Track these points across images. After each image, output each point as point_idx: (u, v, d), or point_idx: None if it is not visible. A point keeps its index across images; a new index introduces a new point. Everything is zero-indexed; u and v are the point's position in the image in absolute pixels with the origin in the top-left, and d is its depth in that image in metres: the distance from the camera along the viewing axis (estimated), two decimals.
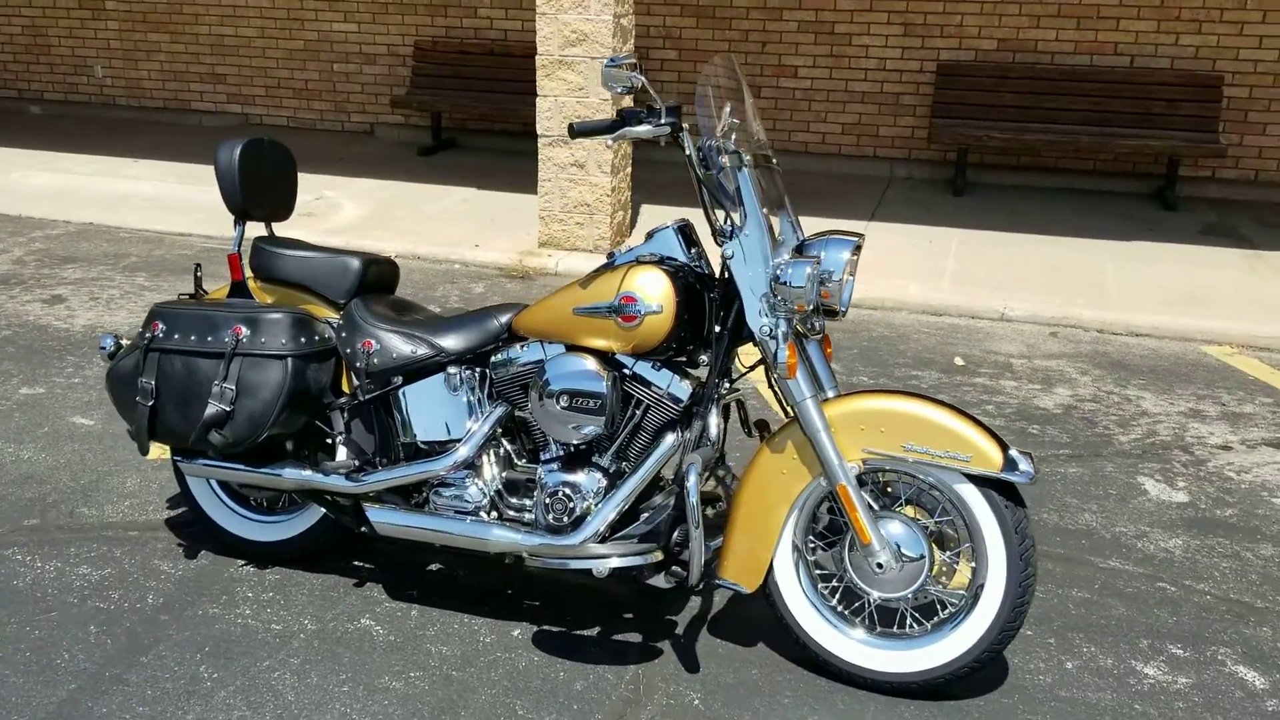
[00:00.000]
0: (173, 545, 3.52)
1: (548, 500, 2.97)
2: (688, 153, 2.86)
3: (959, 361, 5.33)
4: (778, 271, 2.74)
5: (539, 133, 6.59)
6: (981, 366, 5.26)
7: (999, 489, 2.72)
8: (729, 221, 2.86)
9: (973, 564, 2.80)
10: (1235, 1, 8.26)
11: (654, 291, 2.86)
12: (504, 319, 3.12)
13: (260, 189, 3.32)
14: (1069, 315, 5.90)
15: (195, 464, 3.26)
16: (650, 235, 3.03)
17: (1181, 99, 8.26)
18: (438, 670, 2.93)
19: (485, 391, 3.14)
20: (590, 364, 2.91)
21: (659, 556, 2.86)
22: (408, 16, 9.81)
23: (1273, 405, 4.91)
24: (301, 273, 3.24)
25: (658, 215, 7.35)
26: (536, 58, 6.47)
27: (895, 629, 2.90)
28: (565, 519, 2.96)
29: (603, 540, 2.91)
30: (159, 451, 3.97)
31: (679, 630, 3.14)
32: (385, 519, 3.10)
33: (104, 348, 3.36)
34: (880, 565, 2.77)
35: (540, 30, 6.41)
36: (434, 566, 3.44)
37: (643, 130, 2.82)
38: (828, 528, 2.96)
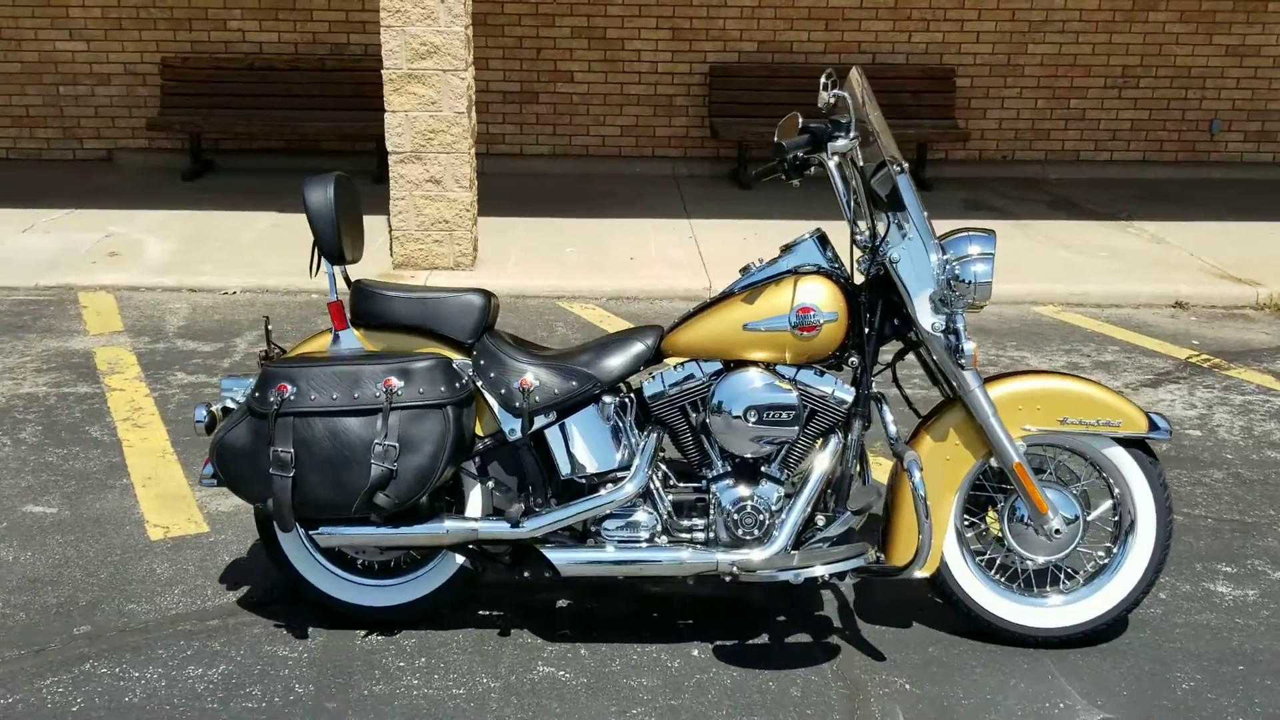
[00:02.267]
0: (270, 628, 3.18)
1: (735, 516, 3.01)
2: (860, 163, 2.99)
3: None
4: (957, 270, 2.94)
5: (390, 149, 6.34)
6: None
7: (1141, 448, 3.08)
8: (884, 227, 3.02)
9: (1115, 519, 3.15)
10: (955, 1, 9.31)
11: (828, 301, 2.98)
12: (649, 342, 3.10)
13: (349, 229, 3.08)
14: None
15: (339, 533, 2.98)
16: (790, 247, 3.14)
17: (924, 90, 9.22)
18: (656, 703, 2.90)
19: (631, 417, 3.11)
20: (772, 378, 2.98)
21: (874, 555, 2.99)
22: (146, 32, 8.98)
23: (1124, 352, 5.70)
24: (421, 314, 3.04)
25: (499, 228, 7.26)
26: (384, 72, 6.21)
27: (1050, 588, 3.20)
28: (756, 532, 3.01)
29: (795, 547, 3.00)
30: (157, 532, 3.59)
31: (837, 623, 3.27)
32: (570, 559, 3.00)
33: (200, 420, 3.00)
34: (1057, 530, 3.06)
35: (386, 43, 6.16)
36: (562, 603, 3.35)
37: (842, 144, 2.93)
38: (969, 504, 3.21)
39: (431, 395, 2.90)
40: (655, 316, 6.06)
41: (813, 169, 3.26)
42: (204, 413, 3.02)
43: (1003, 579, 3.20)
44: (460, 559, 3.14)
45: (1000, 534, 3.15)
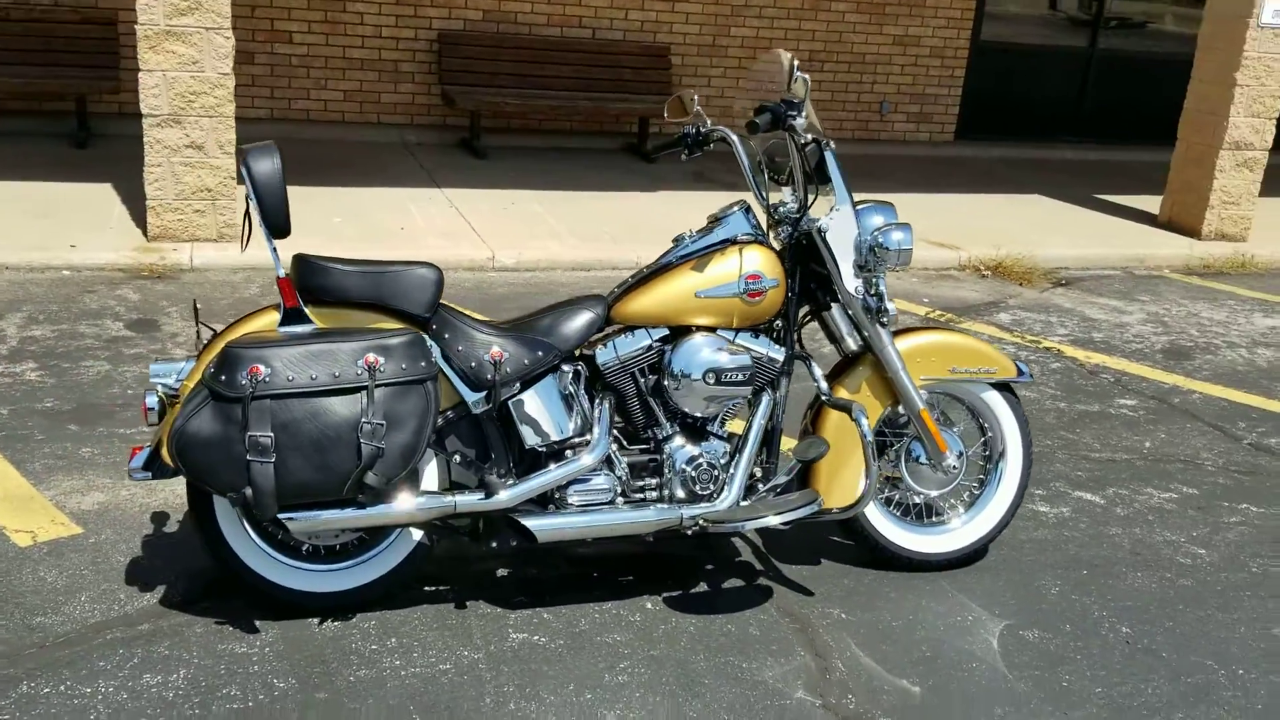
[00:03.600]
0: (212, 626, 2.99)
1: (692, 473, 3.18)
2: (799, 141, 3.23)
3: None
4: (880, 239, 3.26)
5: (145, 112, 5.84)
6: None
7: (1008, 390, 3.58)
8: (809, 199, 3.29)
9: (985, 454, 3.63)
10: None
11: (771, 268, 3.23)
12: (598, 310, 3.20)
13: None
14: None
15: (313, 517, 2.84)
16: (718, 219, 3.33)
17: (644, 66, 9.62)
18: (638, 654, 3.03)
19: (582, 384, 3.20)
20: (724, 342, 3.18)
21: (823, 504, 3.26)
22: None
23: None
24: (376, 289, 2.96)
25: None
26: (139, 28, 5.71)
27: (935, 518, 3.64)
28: (711, 487, 3.20)
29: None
30: (23, 538, 3.26)
31: (759, 566, 3.54)
32: (546, 525, 3.05)
33: (152, 408, 2.76)
34: (954, 466, 3.48)
35: None
36: (502, 572, 3.38)
37: (801, 122, 3.15)
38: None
39: (413, 371, 2.85)
40: (452, 288, 6.02)
41: (712, 145, 3.48)
42: (155, 400, 2.78)
43: (898, 514, 3.60)
44: (418, 536, 3.10)
45: (895, 474, 3.54)
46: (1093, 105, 11.79)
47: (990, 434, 3.63)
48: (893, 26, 10.63)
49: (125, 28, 8.37)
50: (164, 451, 2.83)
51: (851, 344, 3.46)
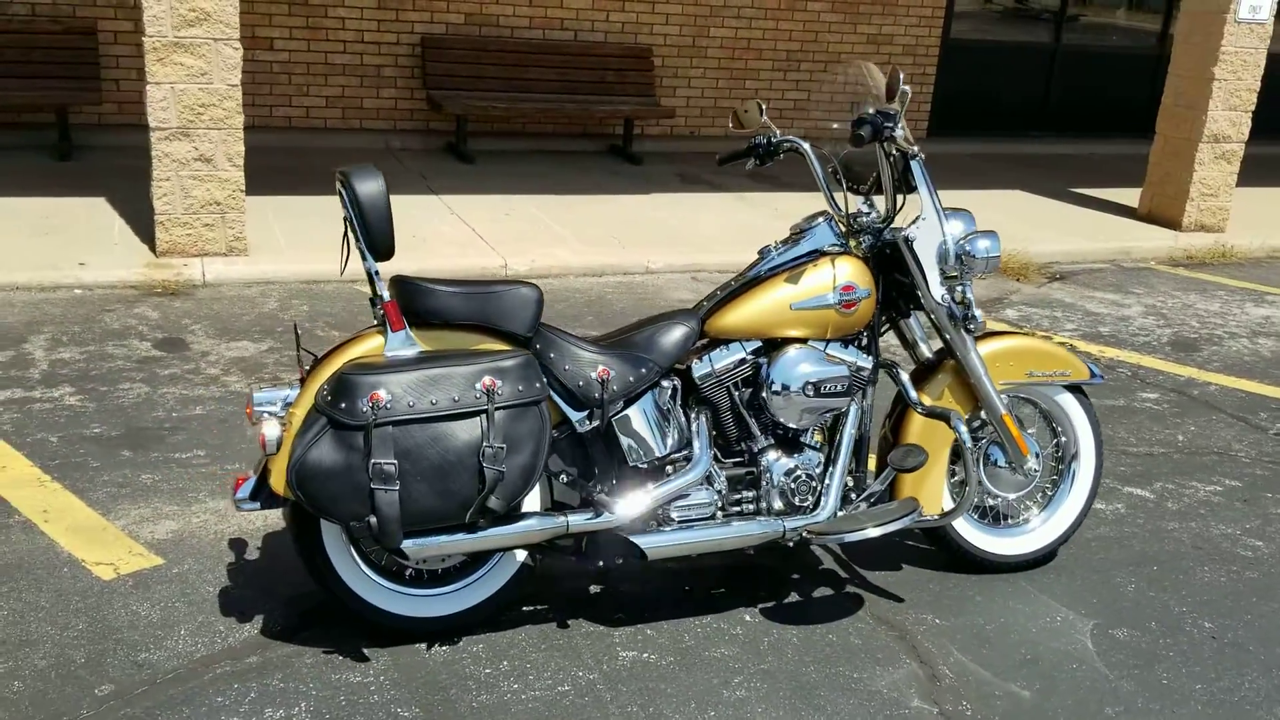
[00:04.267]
0: (320, 656, 2.93)
1: (791, 485, 3.19)
2: (894, 150, 3.24)
3: None
4: (967, 246, 3.29)
5: (153, 125, 5.70)
6: None
7: (1080, 392, 3.63)
8: (891, 208, 3.32)
9: (1058, 455, 3.68)
10: None
11: (863, 278, 3.24)
12: (692, 325, 3.18)
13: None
14: (695, 262, 6.88)
15: (433, 543, 2.79)
16: (804, 231, 3.34)
17: (627, 68, 9.61)
18: (749, 669, 3.03)
19: (678, 399, 3.19)
20: (820, 353, 3.18)
21: (924, 512, 3.28)
22: None
23: None
24: (481, 310, 2.92)
25: (265, 206, 6.70)
26: (145, 40, 5.56)
27: (1010, 521, 3.68)
28: (810, 498, 3.21)
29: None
30: (106, 571, 3.17)
31: (843, 574, 3.55)
32: (656, 542, 3.04)
33: (272, 439, 2.69)
34: (1034, 469, 3.53)
35: (149, 9, 5.52)
36: (594, 589, 3.36)
37: (900, 133, 3.16)
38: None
39: (528, 392, 2.82)
40: None
41: (782, 154, 3.49)
42: (277, 430, 2.72)
43: (975, 516, 3.64)
44: (521, 557, 3.07)
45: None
46: (1059, 100, 11.99)
47: (1062, 435, 3.68)
48: (866, 25, 10.72)
49: (106, 37, 8.18)
50: (273, 481, 2.78)
51: (925, 351, 3.49)
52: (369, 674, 2.89)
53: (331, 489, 2.66)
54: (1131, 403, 5.27)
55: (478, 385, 2.76)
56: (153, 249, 5.96)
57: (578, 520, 2.96)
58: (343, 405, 2.67)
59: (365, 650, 2.97)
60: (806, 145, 3.42)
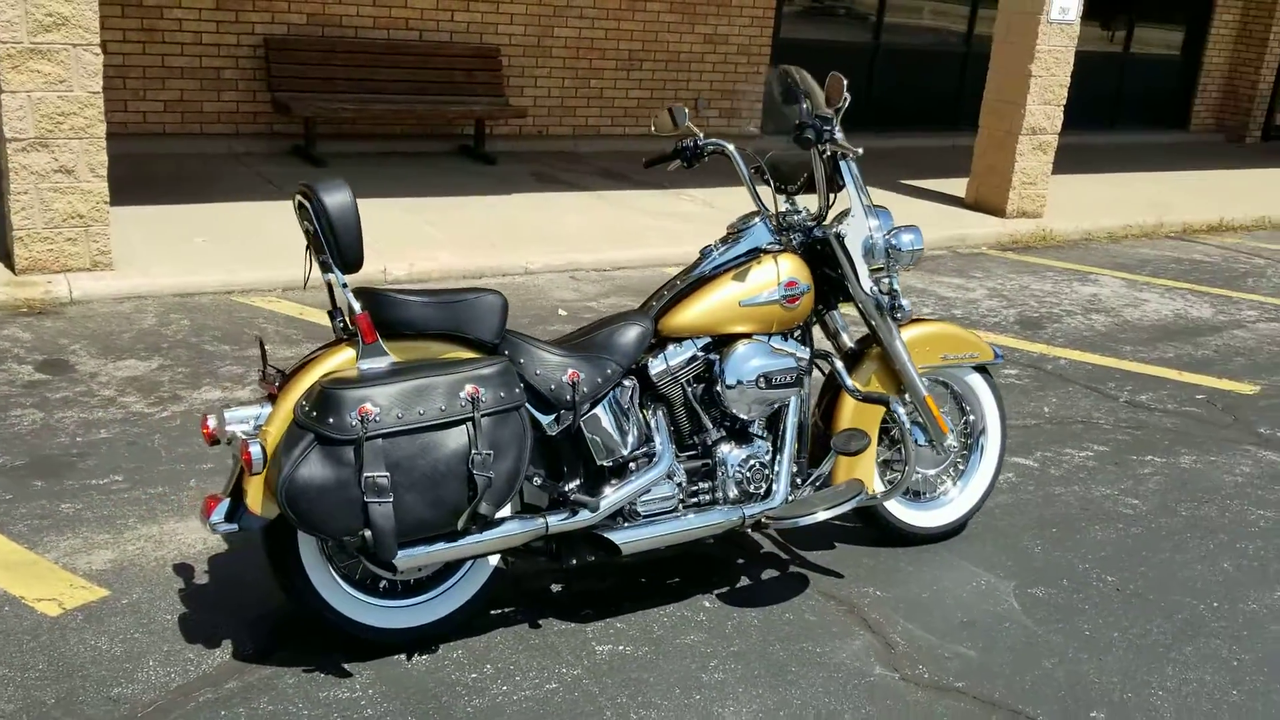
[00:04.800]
0: (301, 674, 2.90)
1: (746, 474, 3.34)
2: (828, 151, 3.41)
3: (562, 312, 6.10)
4: (893, 240, 3.51)
5: (9, 136, 5.39)
6: (580, 314, 6.11)
7: (984, 372, 3.92)
8: (823, 206, 3.51)
9: (966, 431, 3.97)
10: None
11: (803, 274, 3.43)
12: (645, 324, 3.29)
13: None
14: (572, 261, 6.97)
15: (422, 552, 2.80)
16: (741, 230, 3.49)
17: (476, 68, 9.58)
18: (722, 652, 3.17)
19: (635, 398, 3.29)
20: (768, 347, 3.34)
21: (870, 491, 3.48)
22: None
23: None
24: (450, 319, 2.94)
25: (119, 218, 6.37)
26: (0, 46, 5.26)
27: (928, 495, 3.94)
28: (764, 486, 3.37)
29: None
30: (50, 607, 3.07)
31: (784, 556, 3.73)
32: (630, 537, 3.13)
33: (258, 458, 2.65)
34: (953, 446, 3.79)
35: (2, 13, 5.21)
36: (555, 587, 3.43)
37: (840, 137, 3.33)
38: None
39: (509, 398, 2.87)
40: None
41: (707, 156, 3.64)
42: (260, 449, 2.67)
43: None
44: (494, 561, 3.12)
45: (895, 456, 3.82)
46: (879, 96, 12.59)
47: (971, 413, 3.96)
48: (703, 25, 11.00)
49: None
50: (250, 501, 2.74)
51: (847, 340, 3.70)
52: (355, 689, 2.88)
53: (324, 505, 2.65)
54: (997, 379, 5.65)
55: (462, 394, 2.80)
56: (10, 266, 5.63)
57: (556, 521, 3.03)
58: (330, 420, 2.66)
59: (346, 665, 2.96)
60: (731, 147, 3.57)
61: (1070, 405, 5.37)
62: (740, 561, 3.68)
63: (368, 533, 2.67)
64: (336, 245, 2.80)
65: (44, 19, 5.29)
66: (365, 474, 2.66)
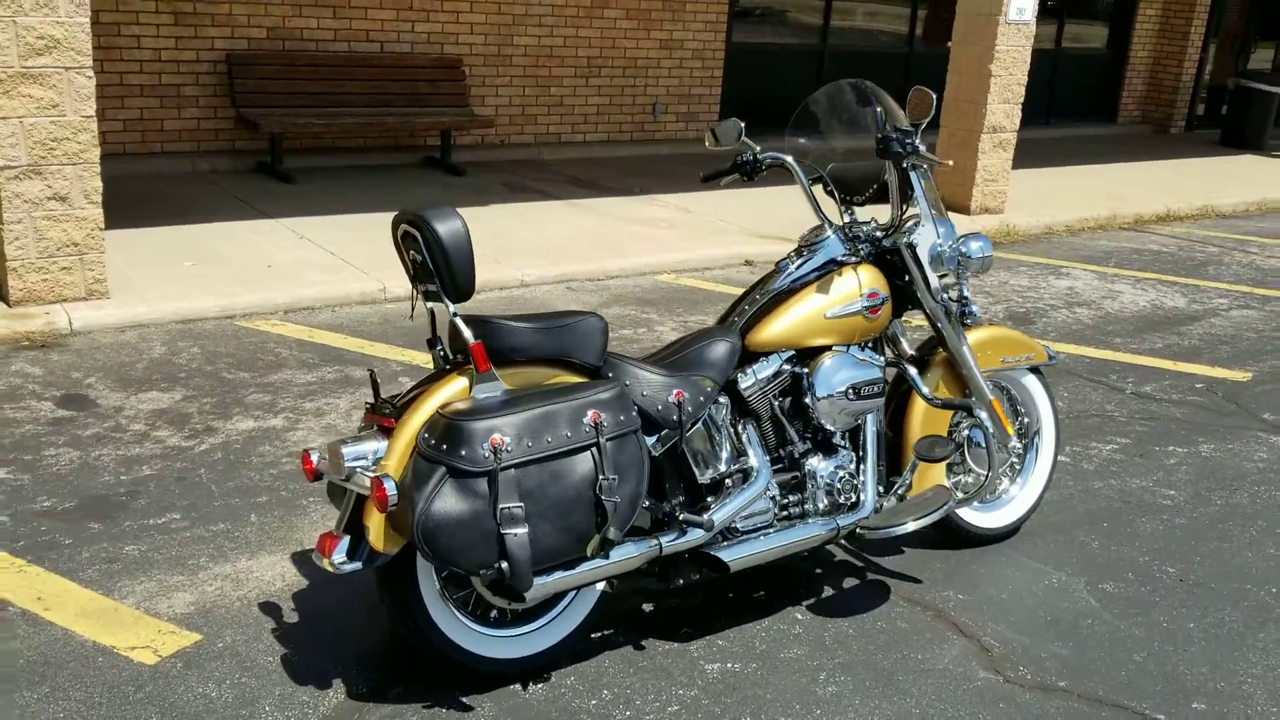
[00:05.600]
0: (425, 712, 2.84)
1: (838, 485, 3.36)
2: (908, 164, 3.45)
3: None
4: (962, 249, 3.56)
5: (1, 164, 5.18)
6: None
7: (1038, 373, 4.00)
8: (897, 217, 3.54)
9: (1021, 432, 4.04)
10: None
11: (882, 285, 3.46)
12: (733, 340, 3.28)
13: None
14: (566, 272, 6.93)
15: (556, 579, 2.76)
16: (814, 244, 3.51)
17: (440, 79, 9.48)
18: (829, 664, 3.18)
19: (727, 414, 3.29)
20: (853, 358, 3.37)
21: (958, 497, 3.52)
22: None
23: None
24: (557, 344, 2.91)
25: (109, 243, 6.17)
26: None
27: (990, 496, 4.00)
28: (854, 496, 3.39)
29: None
30: (146, 655, 2.98)
31: (858, 564, 3.76)
32: (737, 554, 3.13)
33: (391, 494, 2.58)
34: (1017, 448, 3.85)
35: None
36: (646, 607, 3.41)
37: (922, 148, 3.36)
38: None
39: (628, 422, 2.85)
40: (342, 325, 5.79)
41: (765, 169, 3.65)
42: (395, 486, 2.61)
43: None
44: (600, 586, 3.09)
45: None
46: None
47: (1025, 414, 4.03)
48: (659, 31, 11.03)
49: None
50: (374, 538, 2.68)
51: (907, 347, 3.74)
52: (680, 683, 2.89)
53: (461, 539, 2.60)
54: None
55: (585, 419, 2.77)
56: (4, 298, 5.42)
57: (668, 541, 3.02)
58: (463, 452, 2.61)
59: (464, 699, 2.91)
60: (791, 159, 3.58)
61: (1082, 399, 5.49)
62: (819, 571, 3.70)
63: (504, 564, 2.63)
64: (451, 274, 2.75)
65: (35, 42, 5.10)
66: (500, 505, 2.62)
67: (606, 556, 2.88)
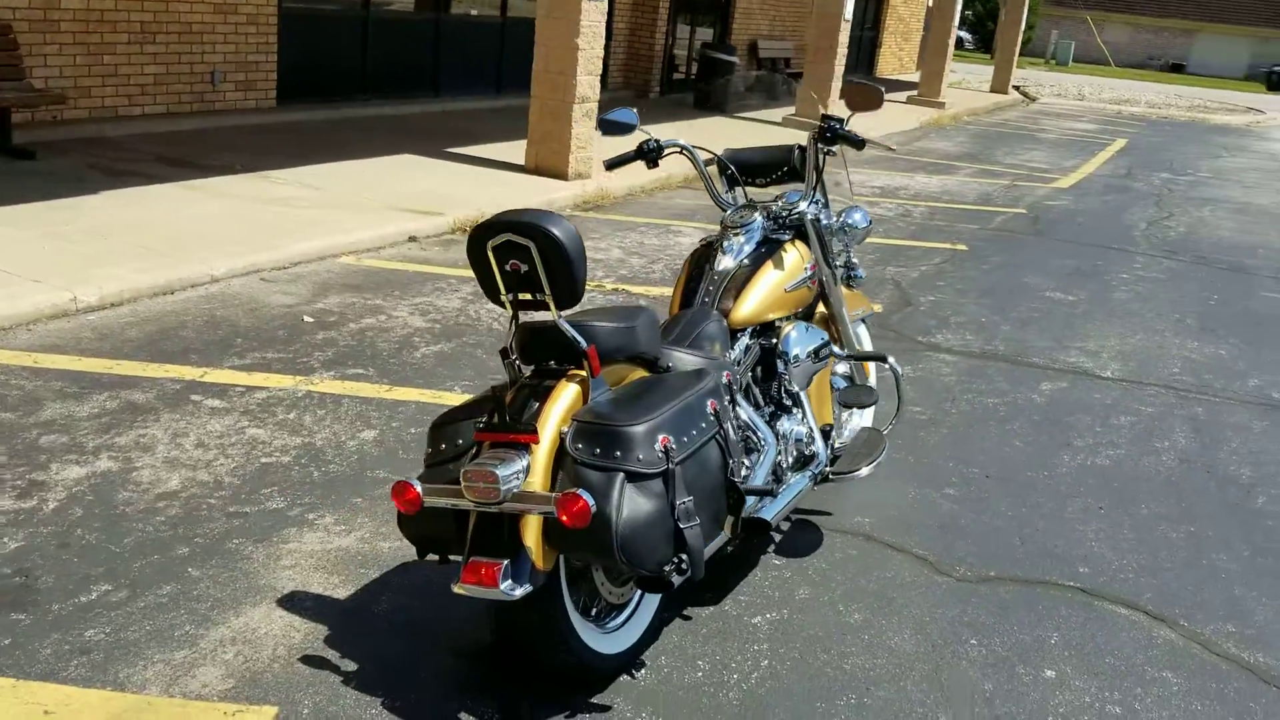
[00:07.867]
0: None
1: (804, 439, 3.71)
2: (824, 150, 3.81)
3: (308, 319, 5.70)
4: (847, 220, 4.04)
5: None
6: (324, 319, 5.75)
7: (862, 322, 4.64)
8: (818, 197, 3.94)
9: None
10: None
11: (809, 257, 3.85)
12: (722, 321, 3.50)
13: None
14: (252, 263, 6.42)
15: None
16: (744, 225, 3.81)
17: None
18: (833, 596, 3.56)
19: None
20: (806, 324, 3.74)
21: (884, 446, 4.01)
22: None
23: (460, 284, 6.75)
24: (629, 340, 2.95)
25: None
26: None
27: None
28: (811, 449, 3.77)
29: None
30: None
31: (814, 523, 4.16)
32: (773, 510, 3.35)
33: (593, 506, 2.51)
34: (873, 389, 4.45)
35: None
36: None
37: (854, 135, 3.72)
38: None
39: (723, 408, 2.99)
40: (58, 345, 5.02)
41: (665, 154, 3.93)
42: (589, 495, 2.53)
43: None
44: None
45: None
46: (374, 66, 12.58)
47: None
48: None
49: None
50: (535, 556, 2.62)
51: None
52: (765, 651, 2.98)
53: (649, 540, 2.62)
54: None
55: (708, 409, 2.88)
56: None
57: (745, 509, 3.19)
58: (639, 456, 2.62)
59: (594, 699, 2.91)
60: (690, 147, 3.86)
61: None
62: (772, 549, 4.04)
63: (683, 557, 2.69)
64: (571, 281, 2.70)
65: None
66: (677, 501, 2.68)
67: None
